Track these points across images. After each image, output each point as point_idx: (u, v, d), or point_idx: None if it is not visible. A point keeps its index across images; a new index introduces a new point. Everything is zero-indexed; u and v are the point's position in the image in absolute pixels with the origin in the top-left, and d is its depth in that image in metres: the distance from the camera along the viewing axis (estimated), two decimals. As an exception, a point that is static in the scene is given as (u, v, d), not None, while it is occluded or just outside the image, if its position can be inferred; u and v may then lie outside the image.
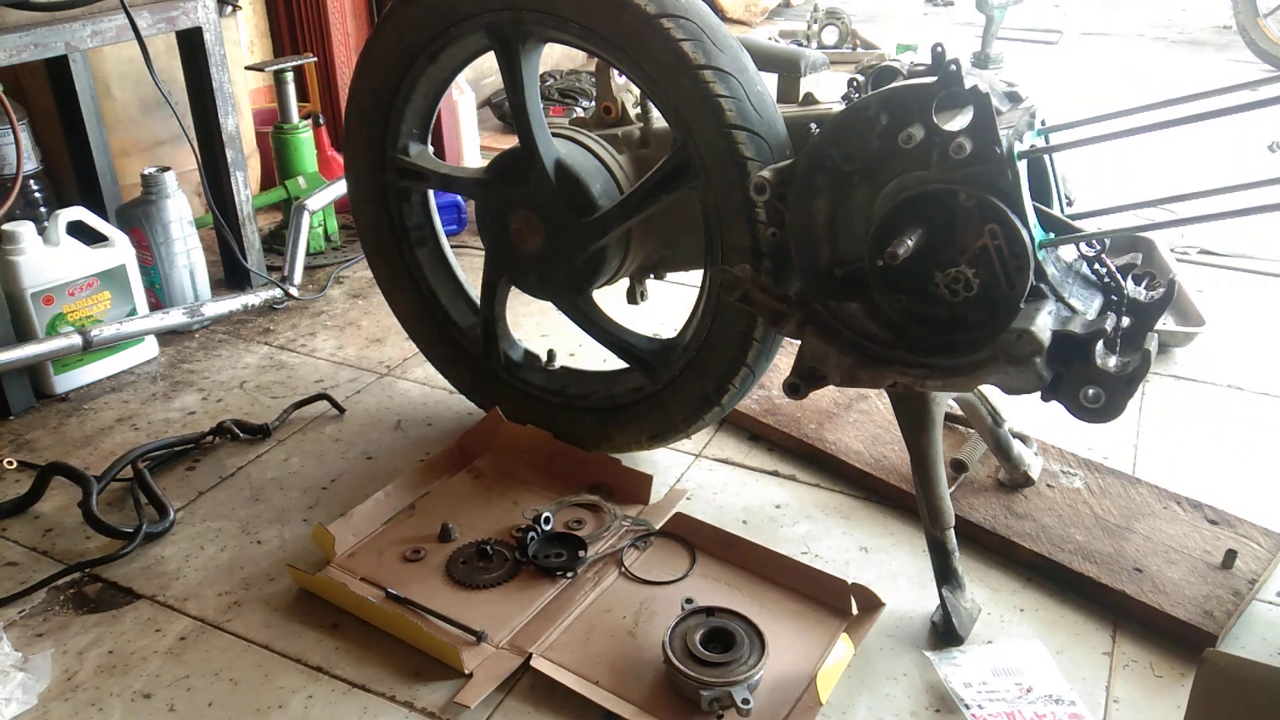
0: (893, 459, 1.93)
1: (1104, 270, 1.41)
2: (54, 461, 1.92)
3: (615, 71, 1.81)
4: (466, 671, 1.49)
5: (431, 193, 2.10)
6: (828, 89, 1.79)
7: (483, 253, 1.97)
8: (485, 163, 1.91)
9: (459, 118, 3.38)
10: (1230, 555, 1.64)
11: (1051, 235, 1.37)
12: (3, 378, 2.17)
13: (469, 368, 2.11)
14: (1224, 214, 1.31)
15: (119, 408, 2.26)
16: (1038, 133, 1.44)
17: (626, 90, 1.90)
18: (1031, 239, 1.31)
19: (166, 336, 2.53)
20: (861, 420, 2.06)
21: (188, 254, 2.58)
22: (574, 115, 3.82)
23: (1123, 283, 1.39)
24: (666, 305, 2.57)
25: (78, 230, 2.28)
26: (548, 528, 1.75)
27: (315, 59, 3.28)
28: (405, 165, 2.00)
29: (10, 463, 2.01)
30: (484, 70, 4.36)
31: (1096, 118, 1.46)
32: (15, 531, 1.84)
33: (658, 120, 1.84)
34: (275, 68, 2.91)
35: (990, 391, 1.72)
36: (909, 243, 1.31)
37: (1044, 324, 1.31)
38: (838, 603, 1.59)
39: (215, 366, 2.43)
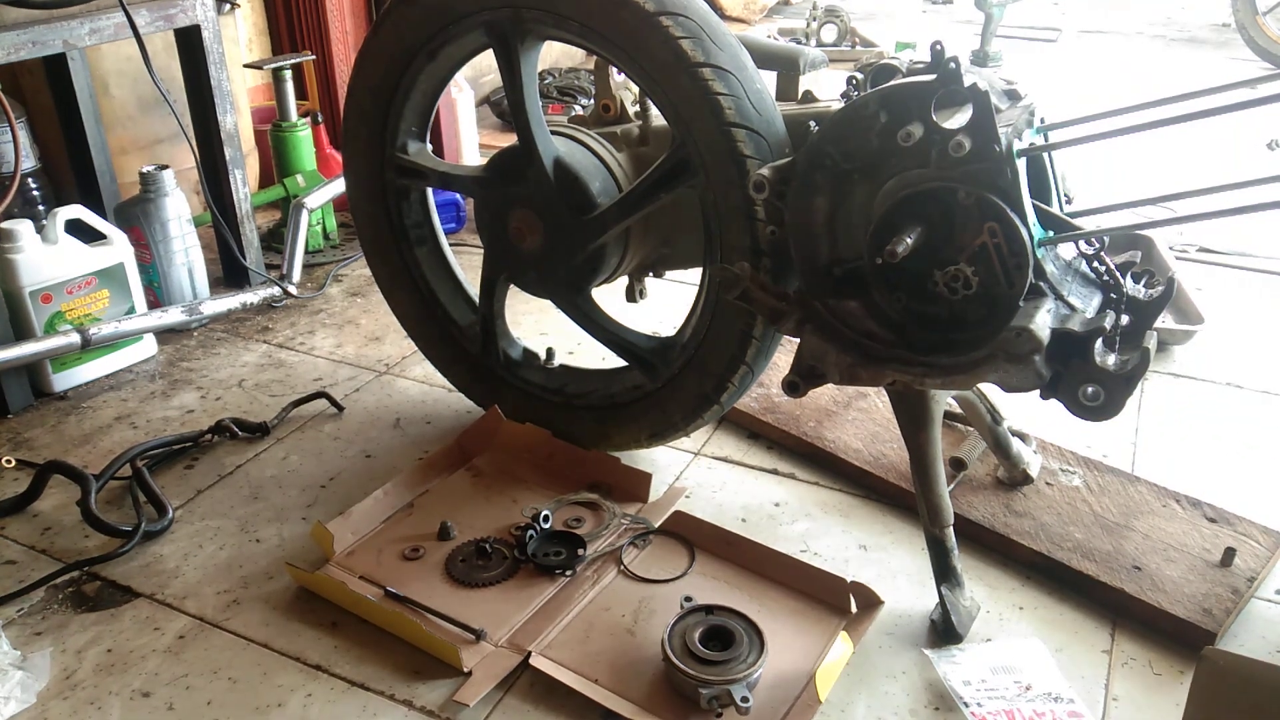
0: (892, 457, 1.93)
1: (1103, 268, 1.41)
2: (52, 460, 1.91)
3: (614, 69, 1.81)
4: (465, 670, 1.49)
5: (430, 191, 2.10)
6: (827, 87, 1.79)
7: (481, 251, 1.97)
8: (484, 161, 1.91)
9: (458, 116, 3.37)
10: (1229, 553, 1.64)
11: (1050, 233, 1.37)
12: (1, 376, 2.17)
13: (468, 366, 2.10)
14: (1223, 212, 1.31)
15: (117, 406, 2.26)
16: (1037, 131, 1.44)
17: (625, 88, 1.90)
18: (1031, 237, 1.30)
19: (165, 335, 2.52)
20: (860, 418, 2.06)
21: (186, 252, 2.58)
22: (573, 113, 3.82)
23: (1122, 281, 1.39)
24: (666, 303, 2.57)
25: (76, 228, 2.28)
26: (547, 526, 1.75)
27: (314, 57, 3.28)
28: (404, 163, 1.99)
29: (9, 461, 2.01)
30: (483, 68, 4.35)
31: (1095, 115, 1.46)
32: (14, 530, 1.84)
33: (657, 118, 1.84)
34: (274, 66, 2.91)
35: (989, 389, 1.72)
36: (908, 241, 1.31)
37: (1043, 322, 1.30)
38: (837, 601, 1.59)
39: (214, 365, 2.43)
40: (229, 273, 2.80)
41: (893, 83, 1.39)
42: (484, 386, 2.09)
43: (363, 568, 1.69)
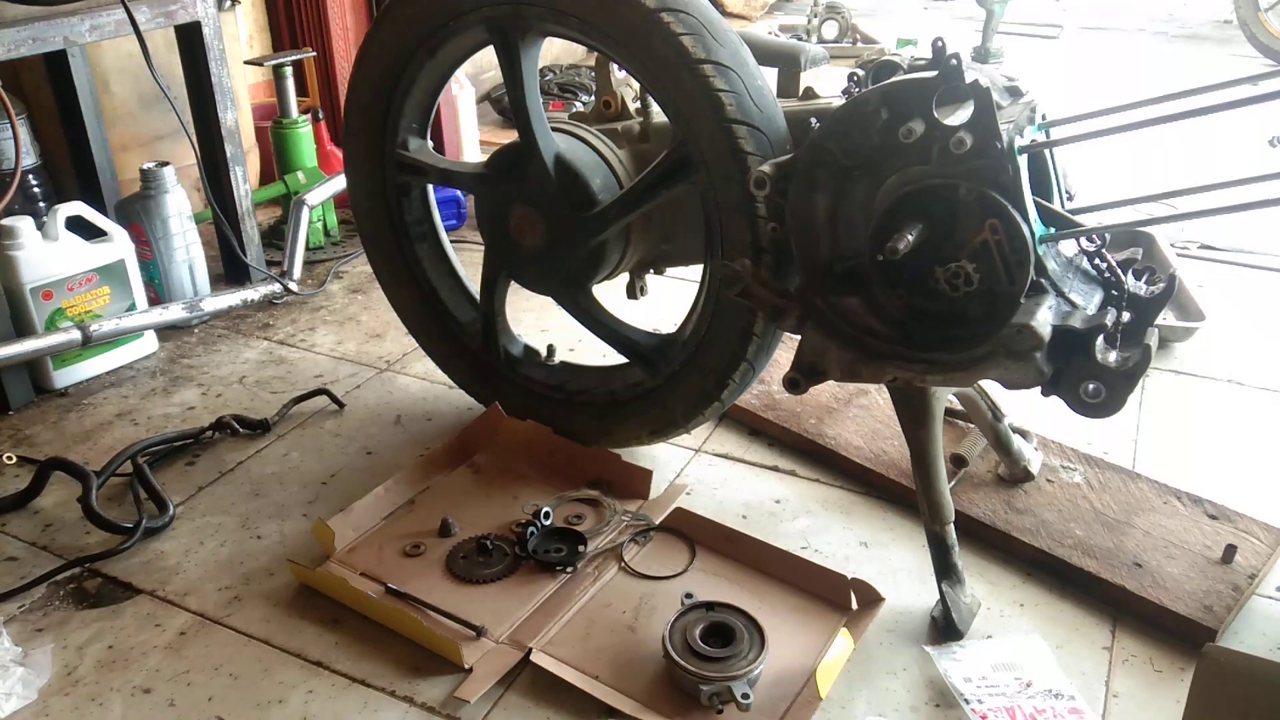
0: (892, 454, 1.93)
1: (1104, 265, 1.41)
2: (53, 456, 1.92)
3: (615, 66, 1.81)
4: (466, 666, 1.49)
5: (431, 188, 2.10)
6: (828, 84, 1.79)
7: (482, 248, 1.97)
8: (485, 158, 1.90)
9: (458, 112, 3.37)
10: (1230, 550, 1.64)
11: (1052, 230, 1.37)
12: (2, 373, 2.17)
13: (469, 363, 2.10)
14: (1224, 209, 1.30)
15: (118, 403, 2.26)
16: (1038, 127, 1.44)
17: (626, 85, 1.89)
18: (1032, 234, 1.30)
19: (166, 331, 2.52)
20: (861, 415, 2.06)
21: (187, 249, 2.58)
22: (574, 110, 3.82)
23: (1123, 278, 1.39)
24: (666, 300, 2.57)
25: (77, 225, 2.28)
26: (547, 523, 1.75)
27: (314, 54, 3.27)
28: (405, 160, 1.99)
29: (10, 458, 2.01)
30: (483, 65, 4.35)
31: (1097, 112, 1.45)
32: (15, 526, 1.84)
33: (657, 115, 1.84)
34: (274, 62, 2.90)
35: (990, 386, 1.72)
36: (909, 238, 1.31)
37: (1044, 319, 1.30)
38: (837, 598, 1.59)
39: (215, 361, 2.43)
40: (230, 269, 2.80)
41: (894, 79, 1.38)
42: (485, 383, 2.09)
43: (364, 564, 1.69)
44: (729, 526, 1.72)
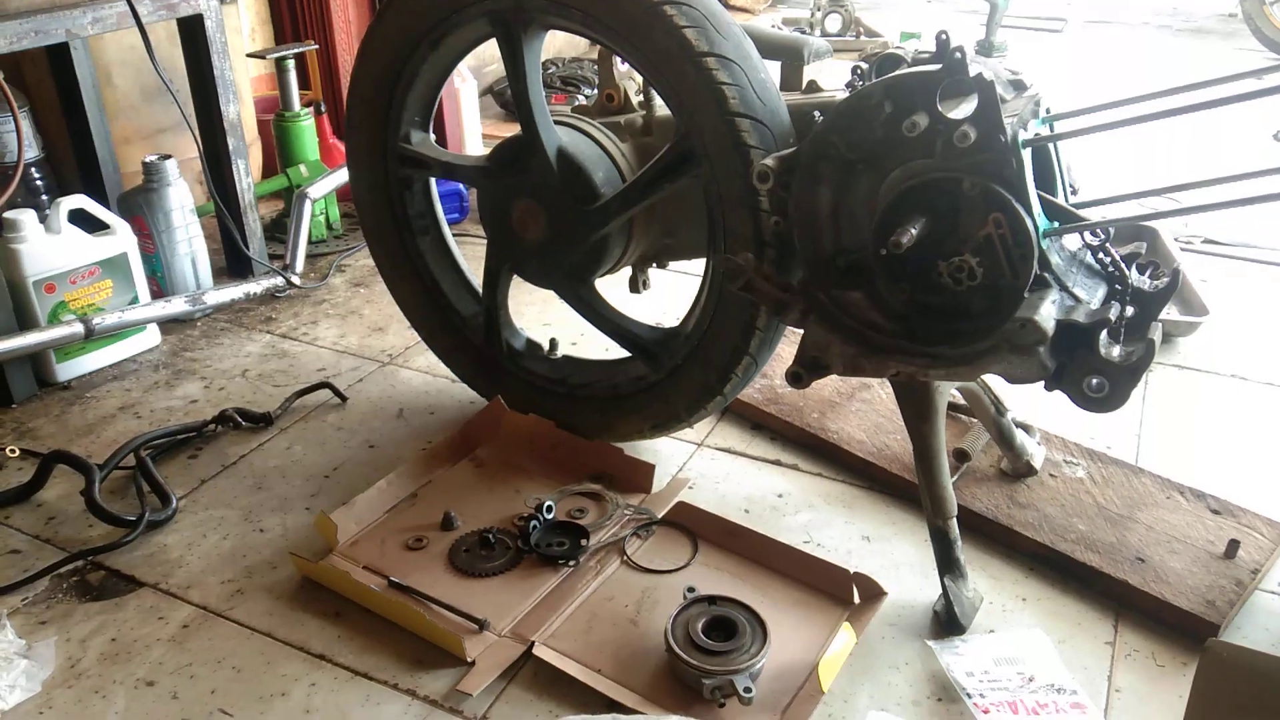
0: (895, 448, 1.93)
1: (1108, 259, 1.41)
2: (56, 450, 1.92)
3: (618, 59, 1.80)
4: (469, 660, 1.49)
5: (433, 181, 2.10)
6: (831, 77, 1.78)
7: (485, 241, 1.97)
8: (487, 151, 1.90)
9: (461, 105, 3.37)
10: (1233, 545, 1.64)
11: (1056, 224, 1.37)
12: (5, 366, 2.17)
13: (471, 356, 2.10)
14: (1228, 203, 1.30)
15: (121, 396, 2.26)
16: (1042, 121, 1.43)
17: (629, 78, 1.89)
18: (1036, 228, 1.30)
19: (168, 325, 2.52)
20: (864, 409, 2.06)
21: (189, 242, 2.58)
22: (576, 103, 3.81)
23: (1127, 272, 1.39)
24: (669, 294, 2.57)
25: (79, 218, 2.28)
26: (550, 516, 1.75)
27: (317, 46, 3.27)
28: (407, 153, 1.99)
29: (13, 451, 2.02)
30: (486, 58, 4.35)
31: (1101, 106, 1.45)
32: (18, 519, 1.84)
33: (660, 108, 1.83)
34: (276, 55, 2.90)
35: (993, 381, 1.72)
36: (913, 231, 1.31)
37: (1048, 313, 1.30)
38: (840, 592, 1.59)
39: (217, 355, 2.43)
40: (232, 263, 2.80)
41: (898, 72, 1.38)
42: (487, 377, 2.09)
43: (366, 558, 1.70)
44: (731, 520, 1.72)
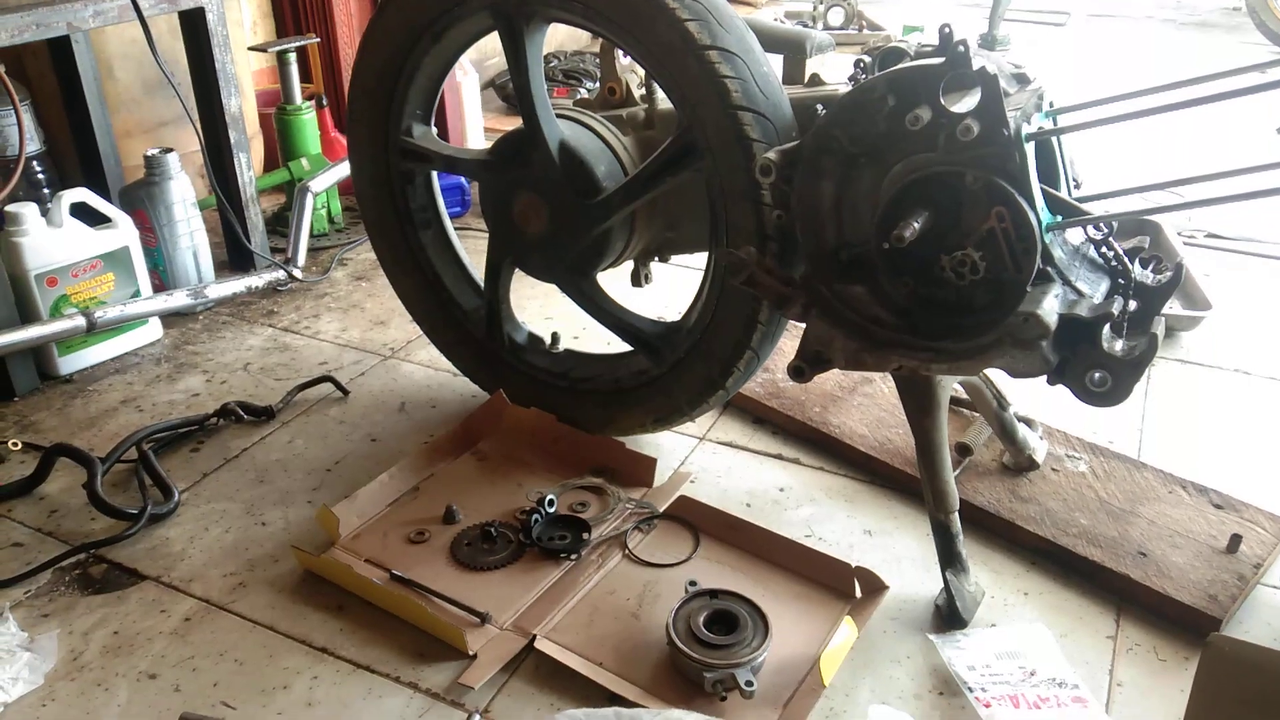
0: (897, 442, 1.93)
1: (1111, 254, 1.40)
2: (59, 443, 1.92)
3: (620, 52, 1.80)
4: (471, 653, 1.49)
5: (435, 174, 2.10)
6: (833, 71, 1.78)
7: (486, 235, 1.96)
8: (489, 144, 1.90)
9: (462, 99, 3.36)
10: (1235, 540, 1.64)
11: (1059, 218, 1.36)
12: (7, 359, 2.17)
13: (473, 350, 2.10)
14: (1231, 197, 1.30)
15: (123, 389, 2.26)
16: (1045, 114, 1.43)
17: (631, 71, 1.89)
18: (1039, 222, 1.30)
19: (170, 318, 2.53)
20: (866, 404, 2.05)
21: (191, 235, 2.58)
22: (578, 96, 3.80)
23: (1130, 266, 1.39)
24: (671, 288, 2.57)
25: (81, 212, 2.28)
26: (552, 510, 1.75)
27: (318, 39, 3.26)
28: (409, 147, 1.99)
29: (15, 444, 2.02)
30: (487, 51, 4.34)
31: (1104, 100, 1.45)
32: (21, 512, 1.85)
33: (662, 101, 1.83)
34: (278, 48, 2.89)
35: (995, 375, 1.71)
36: (915, 225, 1.31)
37: (1050, 307, 1.30)
38: (841, 586, 1.59)
39: (219, 348, 2.43)
40: (234, 256, 2.80)
41: (901, 66, 1.38)
42: (489, 371, 2.09)
43: (368, 551, 1.70)
44: (733, 514, 1.72)
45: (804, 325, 1.48)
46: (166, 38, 2.58)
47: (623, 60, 1.86)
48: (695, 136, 1.62)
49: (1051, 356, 1.33)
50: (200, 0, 2.43)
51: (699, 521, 1.74)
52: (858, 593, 1.58)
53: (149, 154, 2.50)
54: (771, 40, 1.74)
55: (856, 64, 1.59)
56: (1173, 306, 2.40)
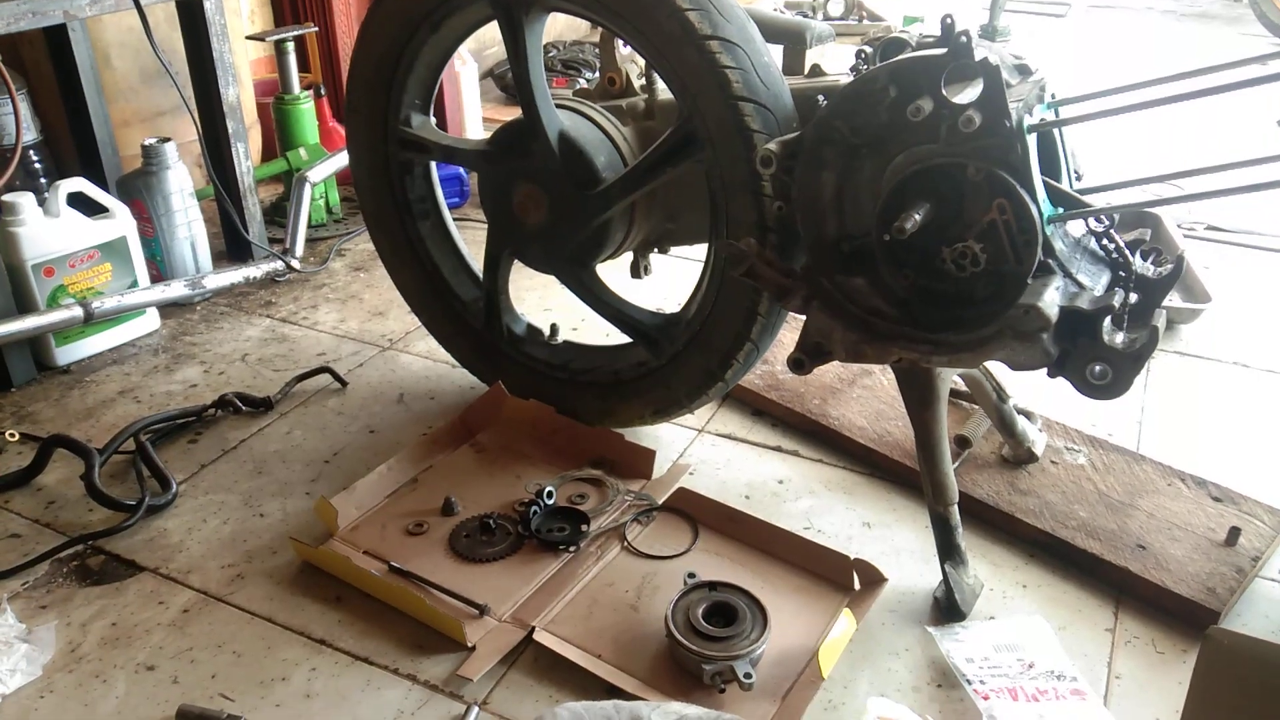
0: (896, 435, 1.92)
1: (1112, 246, 1.40)
2: (56, 434, 1.91)
3: (620, 42, 1.79)
4: (469, 645, 1.49)
5: (434, 165, 2.09)
6: (833, 61, 1.77)
7: (485, 226, 1.96)
8: (488, 135, 1.89)
9: (461, 89, 3.35)
10: (1234, 532, 1.64)
11: (1060, 210, 1.36)
12: (4, 349, 2.17)
13: (471, 342, 2.10)
14: (1232, 190, 1.29)
15: (120, 380, 2.25)
16: (1047, 106, 1.42)
17: (631, 61, 1.88)
18: (1040, 214, 1.29)
19: (168, 309, 2.52)
20: (865, 396, 2.05)
21: (189, 226, 2.57)
22: (578, 87, 3.79)
23: (1131, 259, 1.38)
24: (670, 280, 2.56)
25: (78, 201, 2.27)
26: (550, 502, 1.75)
27: (316, 28, 3.25)
28: (407, 137, 1.98)
29: (12, 435, 2.01)
30: (486, 41, 4.32)
31: (1106, 91, 1.44)
32: (18, 503, 1.84)
33: (663, 92, 1.82)
34: (276, 37, 2.88)
35: (995, 367, 1.71)
36: (916, 217, 1.30)
37: (1051, 300, 1.29)
38: (840, 578, 1.59)
39: (217, 339, 2.42)
40: (232, 247, 2.79)
41: (903, 56, 1.37)
42: (488, 362, 2.09)
43: (367, 543, 1.69)
44: (732, 506, 1.72)
45: (804, 317, 1.48)
46: (164, 26, 2.56)
47: (623, 50, 1.85)
48: (695, 127, 1.61)
49: (1052, 349, 1.32)
50: (198, -11, 2.42)
51: (698, 513, 1.74)
52: (856, 585, 1.58)
53: (146, 143, 2.49)
54: (771, 30, 1.73)
55: (858, 55, 1.59)
56: (1172, 299, 2.39)
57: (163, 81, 2.73)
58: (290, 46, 2.91)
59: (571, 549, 1.67)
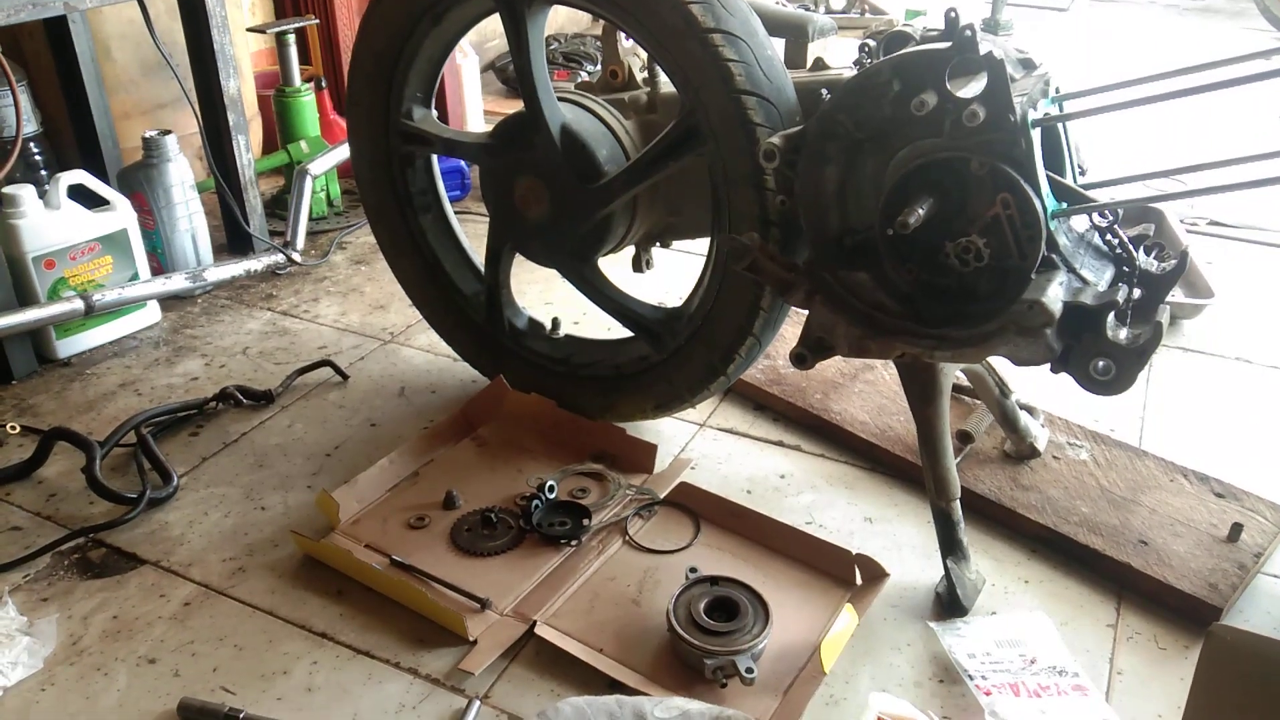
0: (898, 430, 1.92)
1: (1116, 241, 1.40)
2: (57, 426, 1.91)
3: (622, 35, 1.78)
4: (471, 638, 1.49)
5: (435, 158, 2.08)
6: (835, 55, 1.77)
7: (487, 219, 1.95)
8: (489, 127, 1.89)
9: (462, 81, 3.34)
10: (1236, 528, 1.63)
11: (1064, 205, 1.35)
12: (5, 342, 2.16)
13: (473, 335, 2.09)
14: (1235, 185, 1.29)
15: (121, 373, 2.25)
16: (1051, 100, 1.42)
17: (634, 54, 1.87)
18: (1044, 209, 1.29)
19: (169, 302, 2.52)
20: (867, 391, 2.05)
21: (189, 218, 2.57)
22: (580, 80, 3.78)
23: (1135, 254, 1.38)
24: (672, 274, 2.56)
25: (79, 194, 2.26)
26: (552, 496, 1.75)
27: (317, 21, 3.24)
28: (409, 129, 1.97)
29: (13, 427, 2.01)
30: (488, 33, 4.31)
31: (1110, 86, 1.44)
32: (19, 496, 1.84)
33: (665, 85, 1.82)
34: (277, 30, 2.87)
35: (998, 362, 1.71)
36: (920, 212, 1.30)
37: (1055, 295, 1.29)
38: (842, 573, 1.59)
39: (218, 332, 2.42)
40: (233, 239, 2.79)
41: (906, 50, 1.36)
42: (489, 356, 2.08)
43: (368, 536, 1.69)
44: (733, 501, 1.72)
45: (806, 312, 1.47)
46: (165, 18, 2.56)
47: (625, 43, 1.85)
48: (698, 120, 1.60)
49: (1055, 344, 1.32)
50: (198, -19, 2.41)
51: (699, 508, 1.74)
52: (858, 580, 1.58)
53: (147, 136, 2.48)
54: (773, 23, 1.72)
55: (861, 48, 1.58)
56: (1175, 294, 2.39)
57: (163, 74, 2.72)
58: (291, 39, 2.90)
59: (573, 543, 1.66)
